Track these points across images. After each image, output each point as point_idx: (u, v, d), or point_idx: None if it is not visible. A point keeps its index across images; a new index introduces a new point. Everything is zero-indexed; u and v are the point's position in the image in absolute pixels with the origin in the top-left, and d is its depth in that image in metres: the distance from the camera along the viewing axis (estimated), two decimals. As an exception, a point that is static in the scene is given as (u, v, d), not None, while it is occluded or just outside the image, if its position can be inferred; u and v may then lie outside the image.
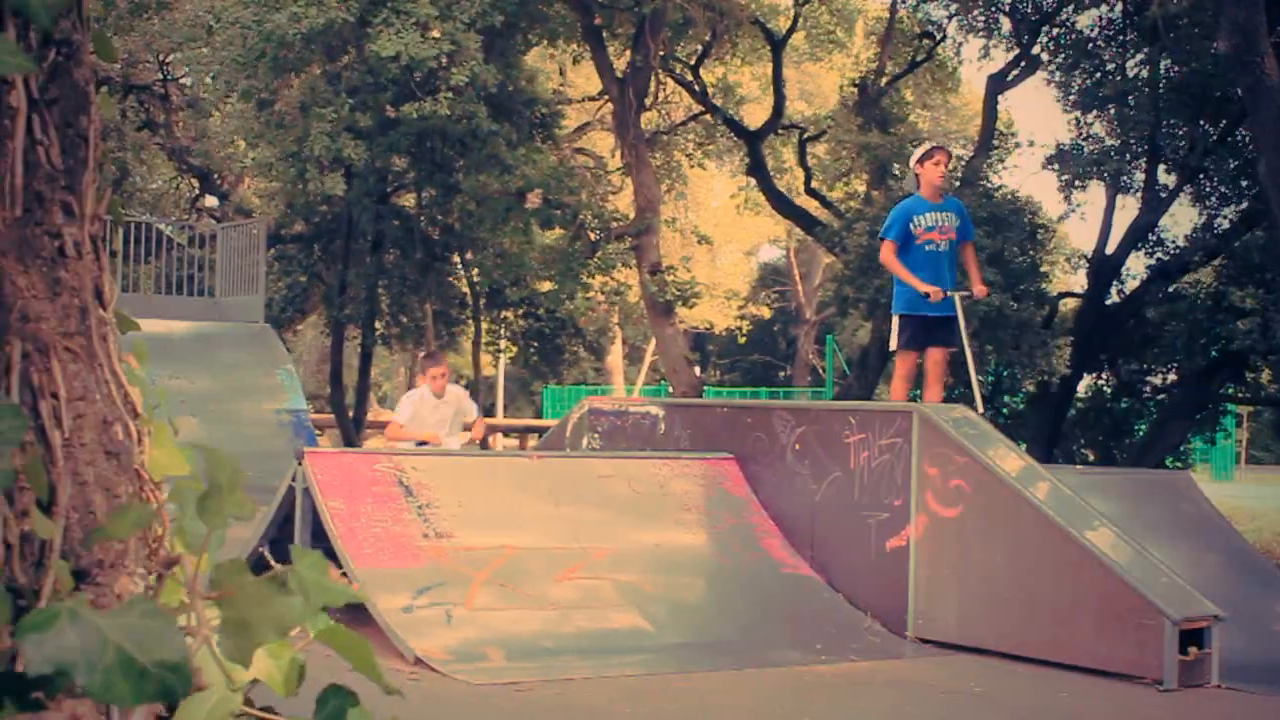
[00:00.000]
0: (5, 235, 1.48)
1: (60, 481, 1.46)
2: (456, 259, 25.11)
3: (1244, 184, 19.78)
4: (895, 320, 11.53)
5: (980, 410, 11.39)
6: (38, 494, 1.43)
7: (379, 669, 1.44)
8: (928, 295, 11.04)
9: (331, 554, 8.88)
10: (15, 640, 1.27)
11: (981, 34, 22.49)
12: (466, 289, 25.57)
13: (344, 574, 8.61)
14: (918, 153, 11.88)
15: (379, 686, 1.46)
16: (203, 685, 1.28)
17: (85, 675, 1.22)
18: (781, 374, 51.06)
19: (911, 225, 11.19)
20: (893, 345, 11.63)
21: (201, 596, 1.38)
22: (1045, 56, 22.02)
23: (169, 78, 28.73)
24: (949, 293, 11.22)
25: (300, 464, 9.46)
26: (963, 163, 21.80)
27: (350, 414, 25.53)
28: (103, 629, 1.24)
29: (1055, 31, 21.84)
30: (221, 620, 1.34)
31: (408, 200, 24.97)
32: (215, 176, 29.26)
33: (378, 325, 25.38)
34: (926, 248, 11.17)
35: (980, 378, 12.98)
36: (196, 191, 31.26)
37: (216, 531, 1.46)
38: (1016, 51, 22.26)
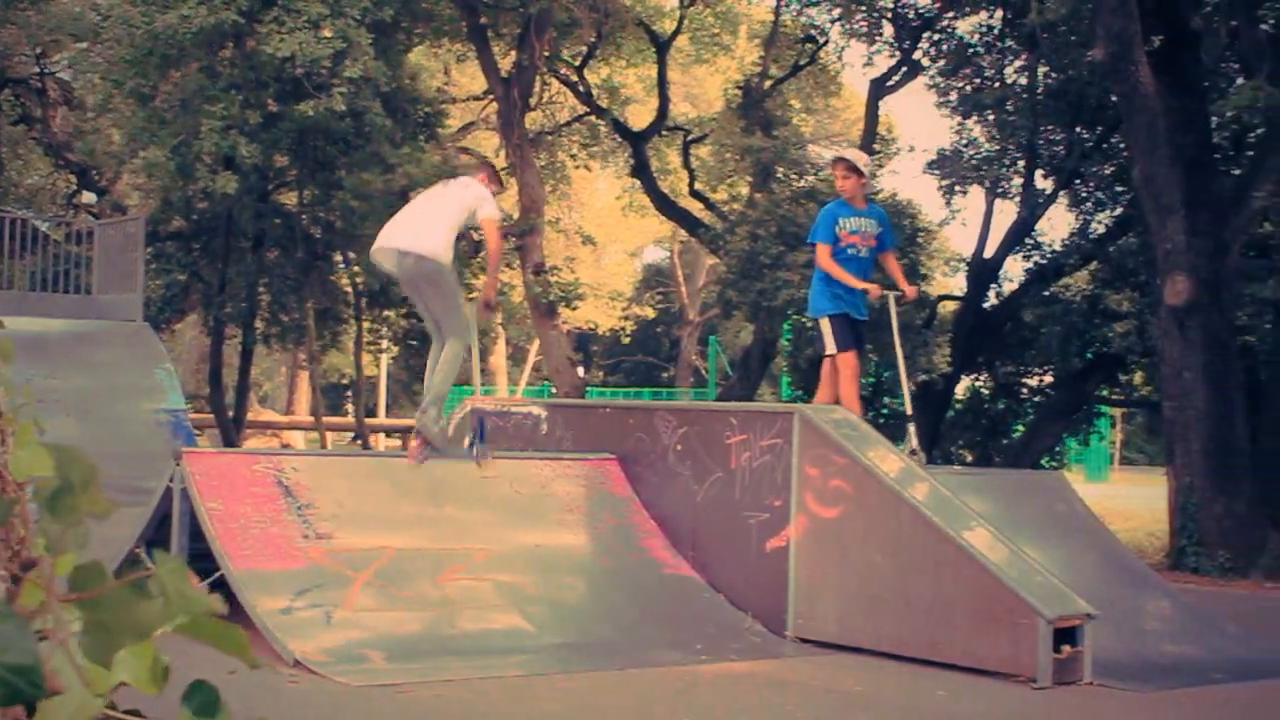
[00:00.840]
0: None
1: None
2: (338, 258, 24.91)
3: (1119, 189, 20.16)
4: (826, 323, 11.01)
5: (909, 412, 11.43)
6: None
7: (249, 650, 1.43)
8: (867, 291, 10.90)
9: (209, 555, 8.78)
10: None
11: (864, 39, 22.70)
12: (349, 288, 25.39)
13: (218, 577, 8.52)
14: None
15: (246, 664, 1.44)
16: (59, 689, 1.26)
17: (-66, 677, 1.20)
18: (665, 375, 51.17)
19: (836, 227, 11.05)
20: (830, 349, 11.00)
21: (61, 599, 1.37)
22: (926, 62, 22.28)
23: (46, 72, 28.21)
24: (885, 291, 11.13)
25: (178, 464, 9.33)
26: (845, 166, 21.96)
27: (230, 414, 25.22)
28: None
29: (936, 38, 22.11)
30: (83, 623, 1.33)
31: (289, 198, 24.71)
32: (94, 173, 28.78)
33: (258, 324, 25.08)
34: (849, 251, 11.02)
35: (911, 383, 12.85)
36: (74, 187, 30.72)
37: (77, 532, 1.44)
38: (898, 57, 22.48)
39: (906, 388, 11.63)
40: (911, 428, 11.07)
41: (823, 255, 11.00)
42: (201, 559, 8.67)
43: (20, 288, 22.56)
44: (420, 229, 10.19)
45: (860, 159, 11.54)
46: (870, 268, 11.24)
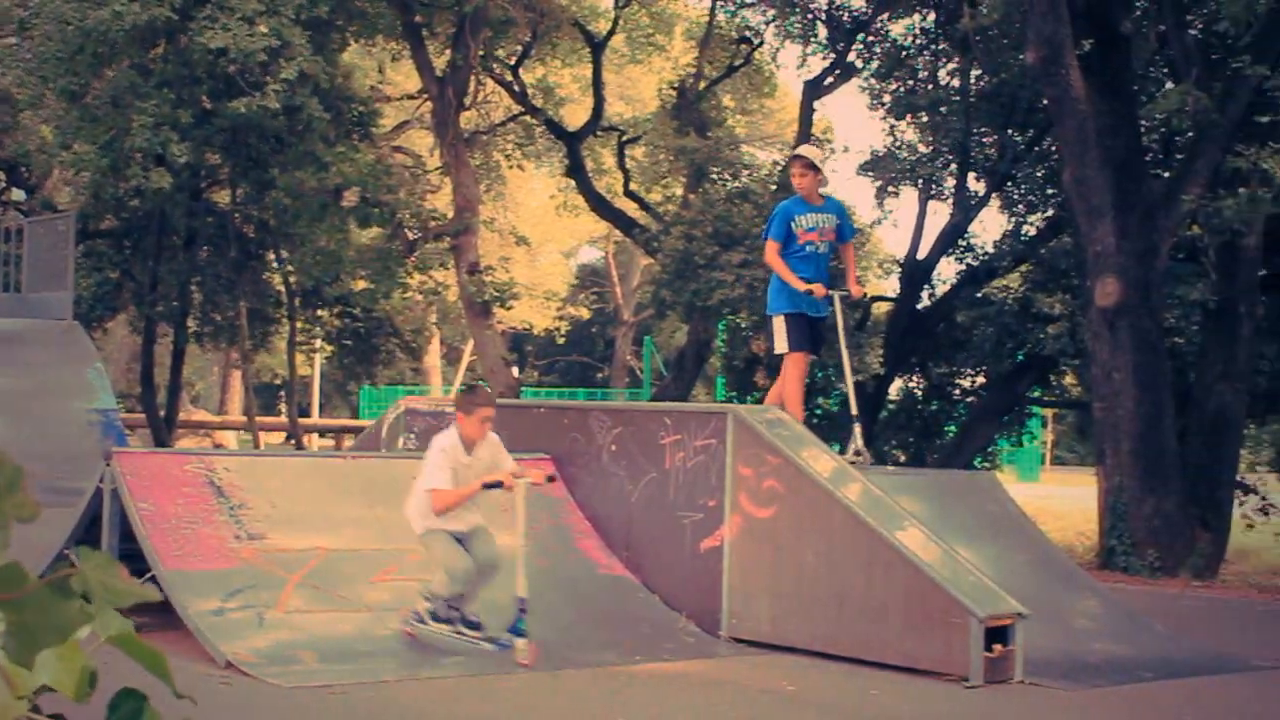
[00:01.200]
0: None
1: None
2: (271, 257, 24.76)
3: (1050, 192, 20.32)
4: (779, 321, 10.93)
5: (855, 413, 11.36)
6: None
7: (170, 674, 1.42)
8: (810, 292, 10.76)
9: (141, 555, 8.70)
10: None
11: (798, 40, 22.77)
12: (282, 287, 25.25)
13: (149, 576, 8.45)
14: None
15: (170, 691, 1.43)
16: (-13, 691, 1.25)
17: None
18: (599, 375, 51.16)
19: (792, 225, 10.94)
20: (780, 348, 11.00)
21: None
22: (860, 64, 22.38)
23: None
24: (830, 291, 11.01)
25: (109, 464, 9.25)
26: (778, 167, 22.04)
27: (161, 413, 25.03)
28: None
29: (870, 40, 22.22)
30: (5, 624, 1.31)
31: (221, 196, 24.54)
32: (23, 169, 28.47)
33: (190, 323, 24.90)
34: (806, 249, 10.90)
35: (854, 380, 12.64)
36: (2, 184, 30.37)
37: (1, 534, 1.42)
38: (832, 59, 22.56)
39: (851, 388, 11.53)
40: (856, 428, 11.05)
41: (768, 252, 10.97)
42: (132, 560, 8.59)
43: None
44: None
45: (816, 155, 11.48)
46: (827, 263, 11.18)
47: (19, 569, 1.37)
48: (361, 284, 24.90)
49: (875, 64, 21.98)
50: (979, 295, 20.91)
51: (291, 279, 24.43)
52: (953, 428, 21.98)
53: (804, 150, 11.80)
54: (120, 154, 19.66)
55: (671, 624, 9.93)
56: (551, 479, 9.90)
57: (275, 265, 24.87)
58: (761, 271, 18.25)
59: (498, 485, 9.03)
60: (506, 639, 8.81)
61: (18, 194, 29.63)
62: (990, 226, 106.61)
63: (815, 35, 22.57)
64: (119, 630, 1.41)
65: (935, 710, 7.82)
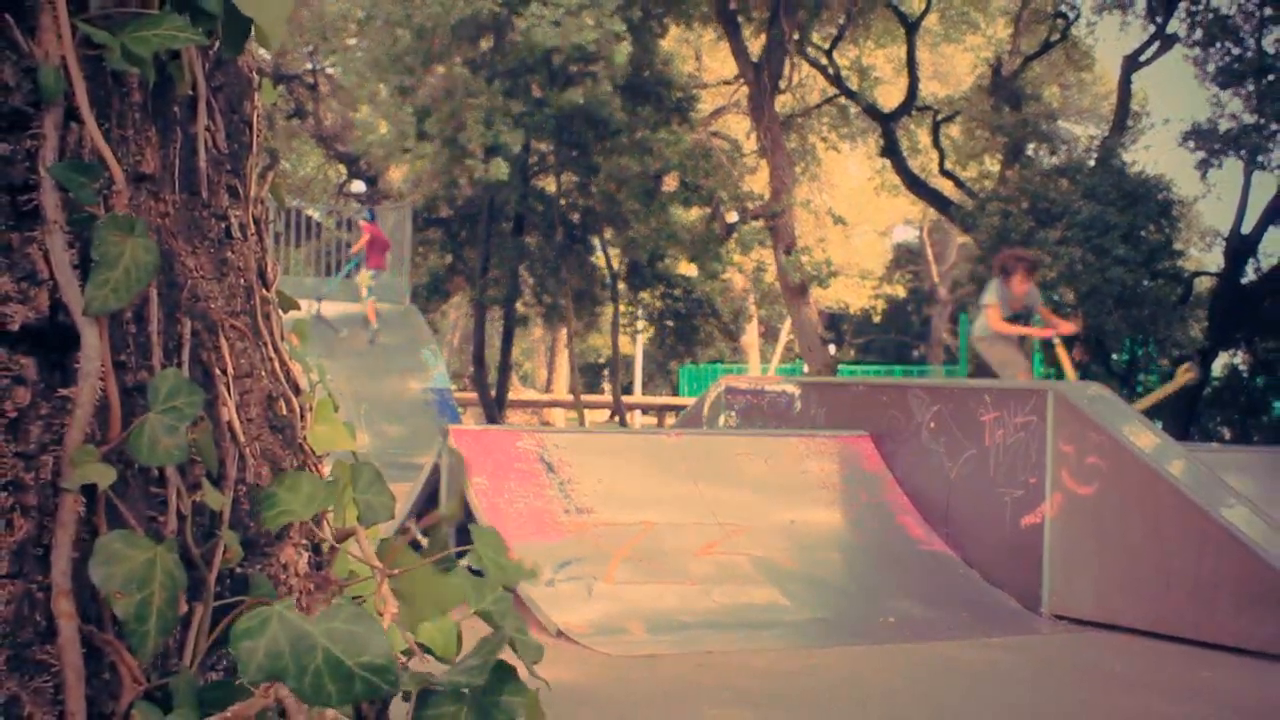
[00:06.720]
0: (175, 218, 1.51)
1: (229, 455, 1.51)
2: (596, 240, 25.35)
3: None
4: None
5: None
6: (208, 467, 1.48)
7: (532, 649, 1.55)
8: None
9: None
10: (230, 648, 1.33)
11: (1116, 11, 22.23)
12: (605, 270, 25.80)
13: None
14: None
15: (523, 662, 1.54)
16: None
17: (295, 680, 1.29)
18: (915, 353, 50.77)
19: None
20: None
21: (385, 573, 1.47)
22: (1182, 33, 21.72)
23: (317, 67, 29.26)
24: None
25: (445, 441, 9.68)
26: (1096, 141, 21.60)
27: (492, 393, 25.87)
28: (311, 634, 1.30)
29: (1192, 8, 21.55)
30: (396, 596, 1.46)
31: (548, 183, 25.21)
32: (362, 162, 29.71)
33: (519, 305, 25.69)
34: None
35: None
36: (344, 177, 31.81)
37: (384, 503, 1.58)
38: (1152, 29, 21.98)
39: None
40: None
41: None
42: (468, 534, 8.97)
43: (297, 274, 23.49)
44: None
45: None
46: None
47: (408, 551, 1.50)
48: (685, 267, 25.31)
49: (1198, 33, 21.28)
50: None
51: (615, 261, 24.98)
52: None
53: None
54: (456, 148, 20.42)
55: (992, 601, 9.92)
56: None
57: (600, 248, 25.48)
58: (1079, 250, 17.94)
59: None
60: None
61: (358, 185, 30.99)
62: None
63: (1134, 6, 22.00)
64: (492, 604, 1.54)
65: (1272, 692, 7.66)
